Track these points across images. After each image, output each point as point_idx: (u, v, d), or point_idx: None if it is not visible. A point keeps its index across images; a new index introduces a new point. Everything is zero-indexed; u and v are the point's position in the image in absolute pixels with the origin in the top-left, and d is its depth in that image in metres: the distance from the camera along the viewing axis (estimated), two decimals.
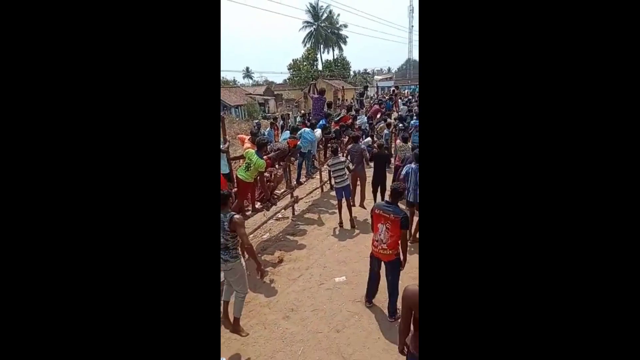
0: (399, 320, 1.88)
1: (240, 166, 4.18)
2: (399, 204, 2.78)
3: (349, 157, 5.01)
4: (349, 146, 5.25)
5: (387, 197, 5.76)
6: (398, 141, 6.36)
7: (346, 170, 4.75)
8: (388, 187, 5.57)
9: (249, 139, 4.71)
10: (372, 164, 5.27)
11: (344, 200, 4.87)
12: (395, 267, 2.81)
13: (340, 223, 4.99)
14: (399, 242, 2.73)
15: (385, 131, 7.46)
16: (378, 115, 8.98)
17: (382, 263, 2.89)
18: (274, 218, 5.34)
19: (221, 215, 2.51)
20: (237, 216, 2.56)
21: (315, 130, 5.66)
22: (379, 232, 2.79)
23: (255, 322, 3.03)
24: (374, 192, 5.43)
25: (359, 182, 5.16)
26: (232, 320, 2.74)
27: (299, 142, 5.21)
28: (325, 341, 2.81)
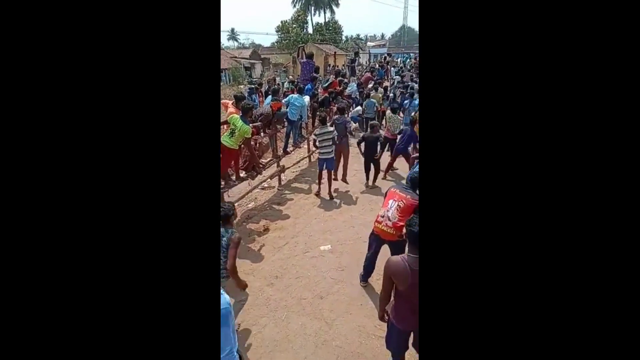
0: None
1: (224, 132, 4.01)
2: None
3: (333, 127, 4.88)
4: (334, 117, 5.06)
5: (384, 177, 5.62)
6: (388, 111, 6.22)
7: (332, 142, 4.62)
8: (382, 167, 5.55)
9: (232, 104, 4.49)
10: (360, 146, 5.10)
11: (325, 171, 4.79)
12: (399, 248, 2.63)
13: (317, 192, 4.98)
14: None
15: (367, 101, 6.79)
16: (370, 85, 8.73)
17: (385, 243, 2.73)
18: (260, 187, 5.26)
19: (222, 230, 2.33)
20: (237, 235, 2.39)
21: (303, 96, 5.44)
22: (387, 208, 2.63)
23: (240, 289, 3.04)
24: (367, 170, 5.24)
25: (342, 156, 5.03)
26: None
27: (283, 108, 5.01)
28: (309, 307, 2.87)
